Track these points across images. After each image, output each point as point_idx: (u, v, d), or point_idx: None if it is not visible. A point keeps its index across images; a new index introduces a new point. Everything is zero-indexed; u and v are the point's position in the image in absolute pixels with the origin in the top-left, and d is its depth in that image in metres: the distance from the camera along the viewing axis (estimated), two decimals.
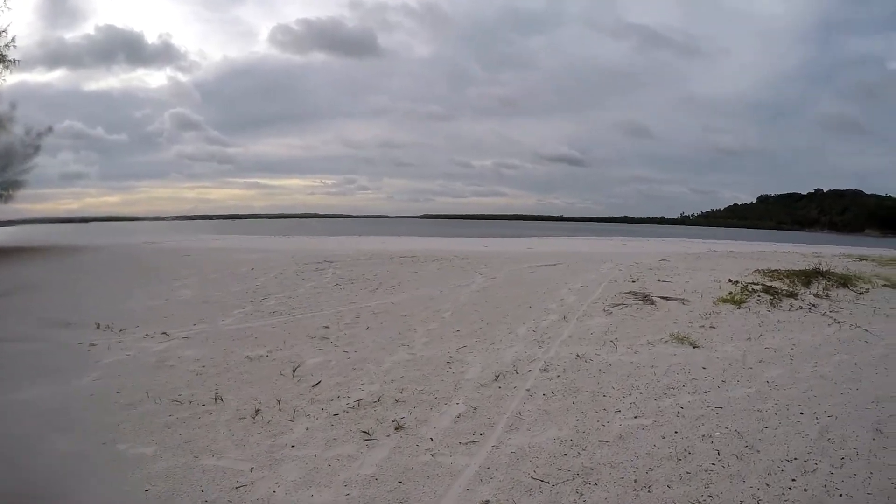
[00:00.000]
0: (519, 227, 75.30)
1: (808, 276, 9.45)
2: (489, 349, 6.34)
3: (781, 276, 9.74)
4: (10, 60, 20.34)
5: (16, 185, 22.05)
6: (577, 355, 5.97)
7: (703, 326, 7.20)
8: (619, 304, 8.51)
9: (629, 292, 9.34)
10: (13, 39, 20.27)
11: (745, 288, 8.82)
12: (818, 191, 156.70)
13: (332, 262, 13.52)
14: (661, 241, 29.73)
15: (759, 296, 8.39)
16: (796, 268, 10.64)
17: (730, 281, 9.64)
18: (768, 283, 9.36)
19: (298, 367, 5.69)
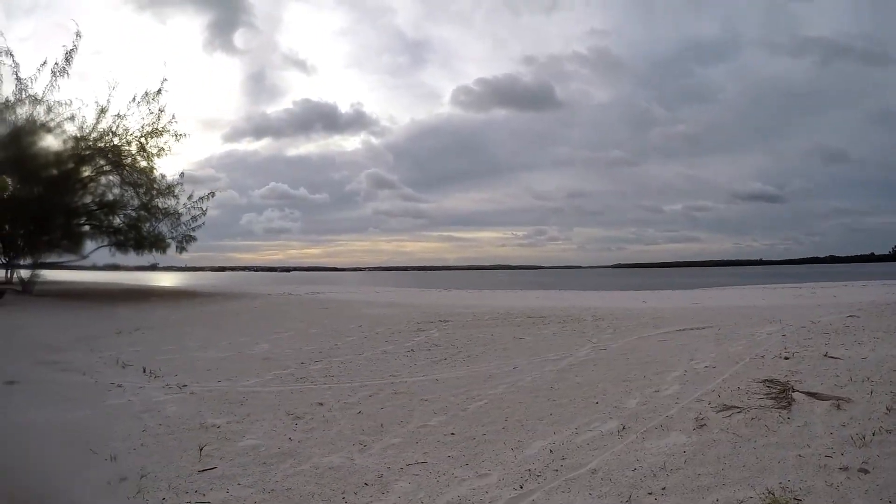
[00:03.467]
0: (711, 275, 69.60)
1: None
2: (439, 478, 4.36)
3: None
4: (172, 133, 24.10)
5: (188, 239, 26.17)
6: None
7: (847, 469, 3.96)
8: (732, 408, 5.48)
9: (766, 380, 6.26)
10: (174, 116, 23.86)
11: None
12: None
13: (447, 321, 12.77)
14: (862, 287, 25.65)
15: None
16: None
17: None
18: None
19: (220, 447, 5.10)
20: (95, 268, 39.82)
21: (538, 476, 4.19)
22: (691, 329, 10.46)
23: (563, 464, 4.37)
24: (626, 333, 10.48)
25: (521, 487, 4.02)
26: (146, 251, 25.54)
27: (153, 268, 36.04)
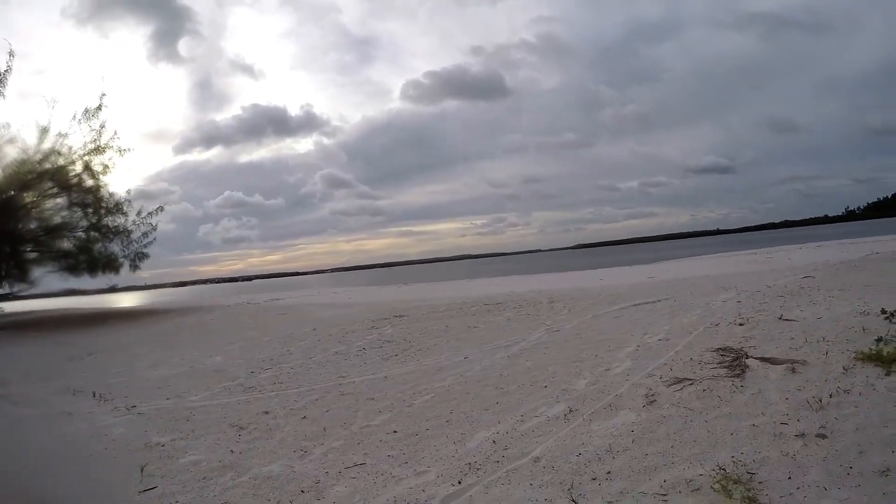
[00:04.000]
0: (669, 249, 70.18)
1: None
2: (376, 479, 4.10)
3: None
4: (116, 149, 23.24)
5: (141, 256, 25.28)
6: None
7: (804, 435, 3.64)
8: (684, 380, 5.15)
9: (720, 349, 5.95)
10: (115, 132, 23.11)
11: None
12: None
13: (402, 316, 12.32)
14: (817, 248, 25.76)
15: None
16: None
17: (883, 312, 6.17)
18: None
19: (163, 465, 4.90)
20: (52, 294, 38.51)
21: (478, 469, 3.90)
22: (646, 303, 10.15)
23: (505, 454, 4.08)
24: (581, 313, 10.04)
25: (460, 483, 3.74)
26: (99, 273, 24.52)
27: (112, 290, 34.39)
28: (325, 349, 9.48)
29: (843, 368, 4.67)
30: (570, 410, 4.73)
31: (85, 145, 22.72)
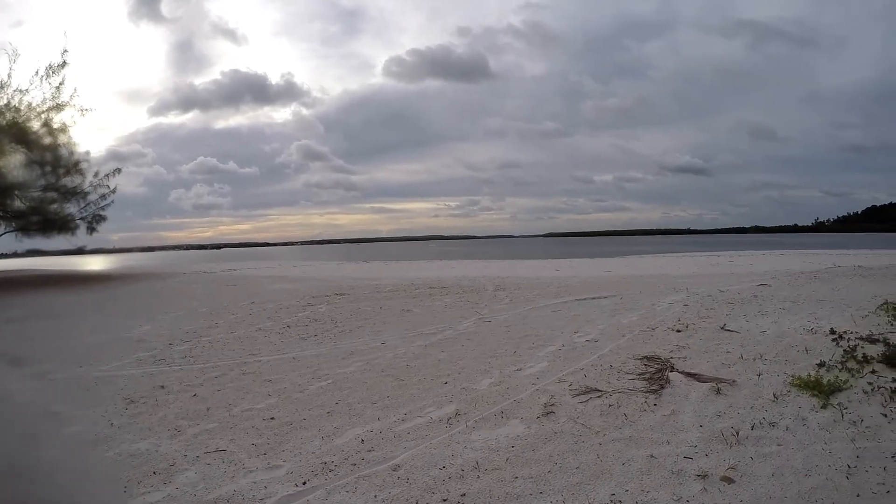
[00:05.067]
0: (639, 244, 70.23)
1: None
2: (227, 468, 3.66)
3: None
4: (77, 107, 22.43)
5: (98, 219, 24.30)
6: None
7: (707, 476, 2.93)
8: (594, 391, 4.45)
9: (647, 357, 5.26)
10: (76, 90, 22.31)
11: (850, 351, 4.75)
12: None
13: (343, 294, 12.04)
14: (780, 255, 25.34)
15: (873, 373, 4.22)
16: None
17: (832, 332, 5.53)
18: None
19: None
20: (13, 255, 37.28)
21: (331, 471, 3.36)
22: (592, 298, 9.62)
23: (366, 457, 3.52)
24: (522, 304, 9.54)
25: (304, 484, 3.21)
26: (55, 234, 23.53)
27: (80, 251, 33.21)
28: (252, 324, 9.04)
29: (774, 396, 3.95)
30: (458, 414, 4.13)
31: (44, 101, 21.77)
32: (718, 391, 4.14)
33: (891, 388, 3.85)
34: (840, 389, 3.92)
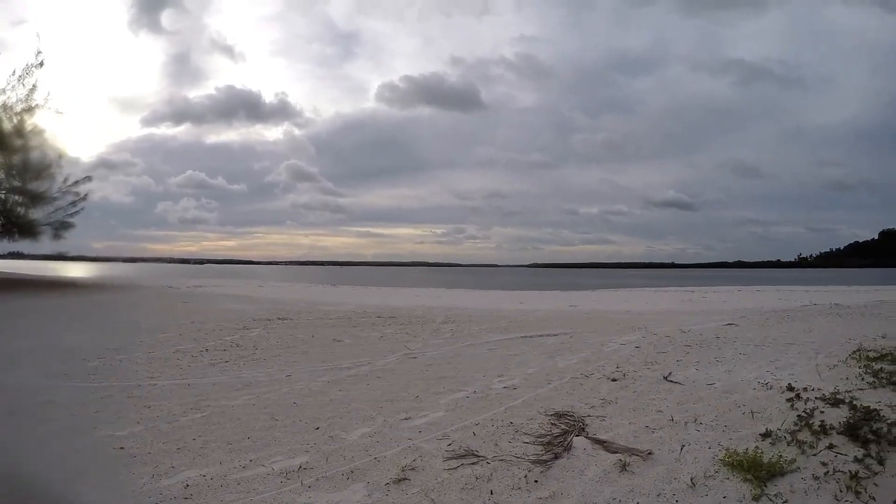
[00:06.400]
0: (621, 277, 70.17)
1: None
2: None
3: None
4: (52, 109, 21.88)
5: (64, 226, 23.32)
6: None
7: None
8: (473, 455, 3.52)
9: (558, 414, 4.28)
10: (49, 94, 21.73)
11: (807, 417, 3.74)
12: None
13: (286, 318, 11.38)
14: (756, 292, 24.67)
15: (830, 449, 3.22)
16: None
17: (789, 389, 4.48)
18: (866, 402, 3.92)
19: None
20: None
21: None
22: (540, 336, 8.71)
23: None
24: (463, 339, 8.63)
25: None
26: (16, 238, 22.88)
27: (61, 257, 32.67)
28: (174, 346, 8.46)
29: (692, 480, 2.90)
30: (303, 467, 3.45)
31: (17, 102, 21.14)
32: (624, 467, 3.12)
33: (850, 471, 2.82)
34: (783, 473, 2.90)
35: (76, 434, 4.46)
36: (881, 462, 2.92)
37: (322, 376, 6.17)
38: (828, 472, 2.88)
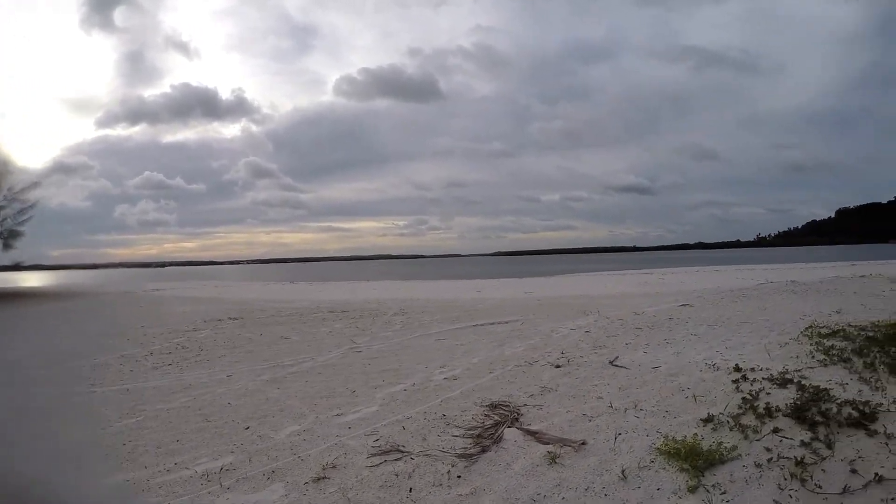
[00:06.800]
0: (584, 262, 70.53)
1: None
2: None
3: (854, 341, 4.84)
4: None
5: (13, 234, 23.46)
6: None
7: None
8: (398, 452, 3.31)
9: (494, 405, 4.03)
10: None
11: (752, 399, 3.54)
12: None
13: (236, 318, 11.00)
14: (715, 272, 24.82)
15: (775, 433, 2.99)
16: (879, 315, 6.55)
17: (736, 370, 4.31)
18: (816, 382, 3.79)
19: None
20: None
21: None
22: (491, 324, 8.51)
23: None
24: (412, 330, 8.45)
25: None
26: None
27: (16, 267, 31.68)
28: (122, 349, 8.11)
29: (623, 472, 2.65)
30: (225, 468, 3.26)
31: None
32: (554, 460, 2.89)
33: (796, 457, 2.60)
34: (723, 461, 2.67)
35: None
36: (829, 445, 2.74)
37: (262, 375, 5.95)
38: (771, 458, 2.69)
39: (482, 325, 8.42)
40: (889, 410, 3.09)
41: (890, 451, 2.62)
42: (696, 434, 3.02)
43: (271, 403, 4.74)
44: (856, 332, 5.15)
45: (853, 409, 3.10)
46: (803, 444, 2.78)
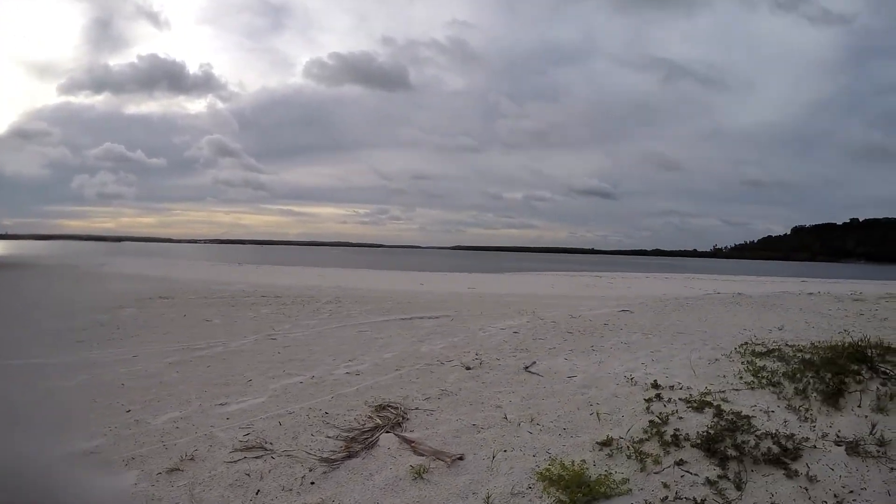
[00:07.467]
0: (541, 261, 71.34)
1: (840, 369, 3.72)
2: None
3: (789, 363, 4.34)
4: None
5: None
6: None
7: None
8: (262, 449, 3.06)
9: (384, 406, 3.73)
10: None
11: (659, 426, 3.13)
12: (854, 220, 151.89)
13: (167, 298, 10.73)
14: (664, 279, 25.00)
15: (679, 465, 2.63)
16: (821, 335, 6.27)
17: (654, 386, 3.99)
18: (738, 407, 3.41)
19: None
20: None
21: None
22: (420, 318, 8.24)
23: None
24: (339, 319, 8.21)
25: None
26: None
27: None
28: (41, 323, 8.00)
29: (488, 497, 2.42)
30: (88, 452, 3.09)
31: None
32: (421, 474, 2.61)
33: (697, 498, 2.29)
34: (608, 496, 2.39)
35: None
36: (739, 486, 2.40)
37: (168, 357, 5.73)
38: (667, 497, 2.36)
39: (411, 318, 8.16)
40: (815, 447, 2.70)
41: (810, 497, 2.29)
42: (584, 460, 2.69)
43: (163, 387, 4.54)
44: (792, 353, 4.86)
45: (774, 442, 2.74)
46: (709, 482, 2.44)
